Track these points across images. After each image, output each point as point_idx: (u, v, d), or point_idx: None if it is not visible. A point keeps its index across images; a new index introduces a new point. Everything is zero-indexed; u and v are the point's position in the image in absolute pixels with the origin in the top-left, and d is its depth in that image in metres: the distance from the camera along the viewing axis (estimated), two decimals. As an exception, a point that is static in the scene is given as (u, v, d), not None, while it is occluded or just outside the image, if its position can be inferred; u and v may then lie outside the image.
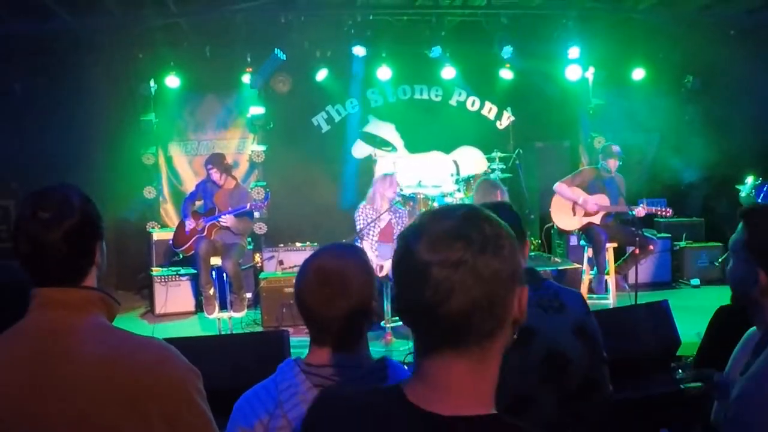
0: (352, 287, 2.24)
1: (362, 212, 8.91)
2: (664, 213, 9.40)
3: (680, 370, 5.48)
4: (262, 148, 11.80)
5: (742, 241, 2.59)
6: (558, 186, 9.51)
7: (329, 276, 2.25)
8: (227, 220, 8.92)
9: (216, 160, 9.27)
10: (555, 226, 10.56)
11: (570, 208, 9.47)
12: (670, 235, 11.55)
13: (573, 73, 11.80)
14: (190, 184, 11.22)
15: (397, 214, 8.93)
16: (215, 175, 9.20)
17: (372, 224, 8.76)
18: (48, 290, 2.13)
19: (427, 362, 1.53)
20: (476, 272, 1.44)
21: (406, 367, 2.63)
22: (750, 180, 10.64)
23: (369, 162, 11.97)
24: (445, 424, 1.47)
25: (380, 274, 8.26)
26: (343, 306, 2.22)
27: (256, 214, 10.31)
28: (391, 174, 9.08)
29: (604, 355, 3.21)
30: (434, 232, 1.49)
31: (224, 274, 9.04)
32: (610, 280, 9.33)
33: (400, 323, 8.60)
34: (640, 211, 9.17)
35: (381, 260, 8.58)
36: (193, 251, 9.11)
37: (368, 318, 2.31)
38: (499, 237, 1.50)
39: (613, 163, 9.46)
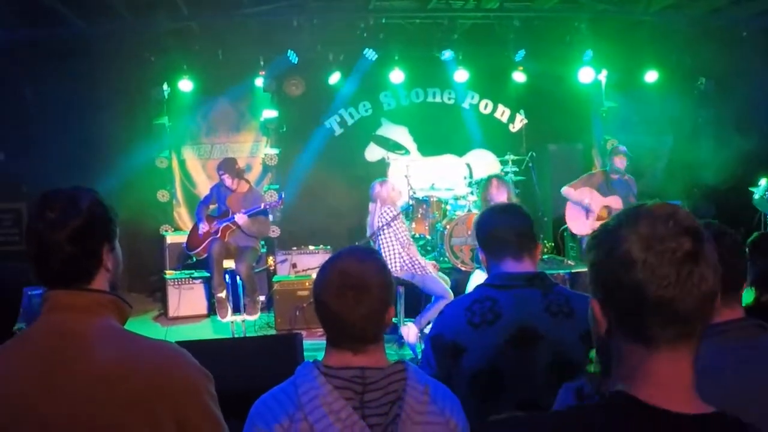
0: (373, 289, 2.24)
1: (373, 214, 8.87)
2: None
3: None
4: (275, 151, 11.81)
5: None
6: (565, 190, 9.50)
7: (351, 278, 2.24)
8: (241, 219, 8.91)
9: (227, 166, 9.27)
10: (568, 229, 10.53)
11: (584, 213, 9.46)
12: (683, 237, 11.47)
13: (586, 75, 11.79)
14: (203, 187, 11.26)
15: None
16: (227, 180, 9.20)
17: (385, 227, 8.72)
18: (59, 293, 2.13)
19: (653, 359, 1.51)
20: (710, 263, 1.48)
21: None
22: (763, 182, 10.57)
23: (382, 165, 11.95)
24: (695, 422, 1.47)
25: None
26: (364, 308, 2.22)
27: (270, 216, 10.29)
28: (385, 179, 8.98)
29: None
30: (651, 228, 1.48)
31: (237, 277, 9.05)
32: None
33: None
34: None
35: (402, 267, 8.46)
36: (206, 254, 9.12)
37: (387, 321, 2.30)
38: (707, 227, 1.53)
39: (619, 161, 9.43)
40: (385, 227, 8.23)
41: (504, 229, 3.16)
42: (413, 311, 8.51)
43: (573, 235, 10.92)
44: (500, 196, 7.98)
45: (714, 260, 1.48)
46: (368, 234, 8.57)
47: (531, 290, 3.03)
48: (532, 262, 3.15)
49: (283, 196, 9.37)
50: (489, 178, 8.26)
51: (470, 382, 2.91)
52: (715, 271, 1.48)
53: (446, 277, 8.58)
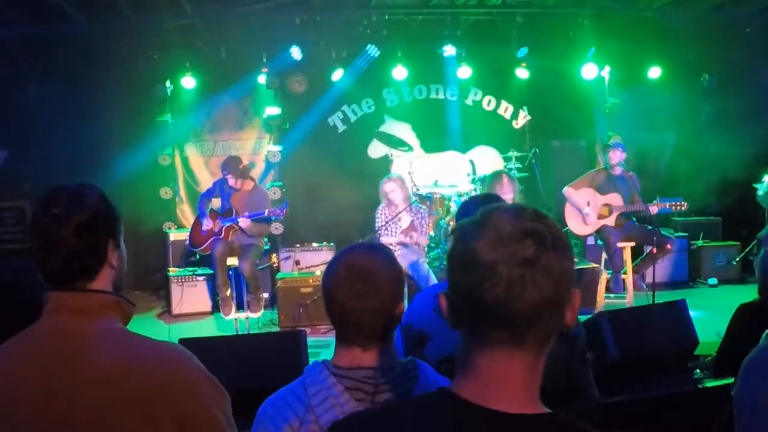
0: (382, 283, 2.21)
1: (381, 212, 8.92)
2: (678, 207, 9.31)
3: (698, 370, 5.45)
4: (278, 148, 11.80)
5: None
6: (566, 191, 9.48)
7: (360, 271, 2.21)
8: (244, 222, 8.90)
9: (231, 166, 9.21)
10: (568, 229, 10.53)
11: (580, 215, 9.44)
12: (687, 234, 11.49)
13: (589, 71, 11.79)
14: (206, 184, 11.23)
15: (419, 215, 8.89)
16: (231, 180, 9.17)
17: (390, 223, 8.75)
18: (61, 294, 2.12)
19: (482, 358, 1.51)
20: (548, 270, 1.45)
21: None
22: (767, 179, 10.57)
23: (385, 162, 11.95)
24: (515, 421, 1.47)
25: None
26: (373, 302, 2.19)
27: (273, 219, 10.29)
28: (389, 176, 9.02)
29: (587, 358, 3.16)
30: (499, 228, 1.47)
31: (241, 275, 9.05)
32: (628, 279, 9.29)
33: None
34: (653, 207, 9.12)
35: (402, 260, 8.55)
36: (209, 252, 9.12)
37: (396, 317, 2.28)
38: (562, 235, 1.52)
39: (614, 155, 9.40)
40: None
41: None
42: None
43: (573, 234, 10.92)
44: (508, 193, 8.00)
45: (556, 268, 1.46)
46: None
47: None
48: None
49: (287, 205, 9.32)
50: (499, 174, 8.26)
51: (436, 370, 2.88)
52: (552, 278, 1.45)
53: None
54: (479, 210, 1.57)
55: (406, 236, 8.80)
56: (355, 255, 2.30)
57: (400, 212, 8.70)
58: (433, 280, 8.38)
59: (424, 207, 9.16)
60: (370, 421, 1.65)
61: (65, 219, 2.09)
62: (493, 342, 1.49)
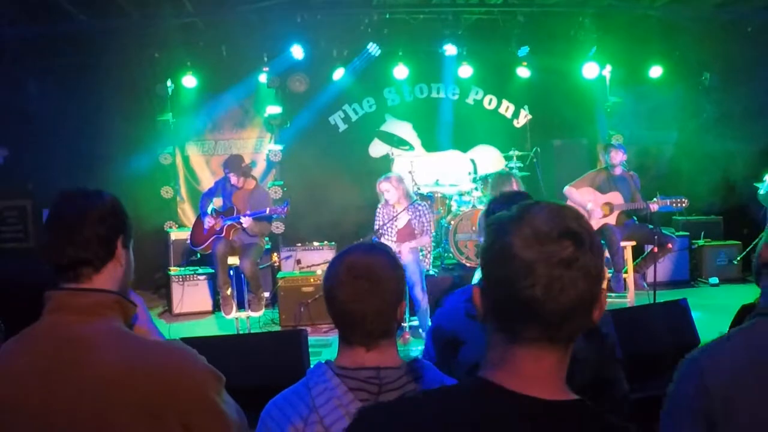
0: (383, 282, 2.21)
1: (379, 212, 8.88)
2: (678, 204, 9.30)
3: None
4: (279, 147, 11.80)
5: None
6: (567, 190, 9.48)
7: (360, 270, 2.21)
8: (245, 221, 8.89)
9: (233, 165, 9.18)
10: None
11: (584, 211, 9.43)
12: (688, 233, 11.47)
13: (590, 70, 11.79)
14: (207, 183, 11.24)
15: (417, 213, 8.79)
16: (234, 178, 9.15)
17: (389, 224, 8.73)
18: (61, 293, 2.13)
19: (513, 352, 1.54)
20: (586, 271, 1.48)
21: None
22: (768, 178, 10.57)
23: (386, 161, 11.94)
24: (552, 406, 1.50)
25: None
26: (374, 301, 2.19)
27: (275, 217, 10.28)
28: (385, 176, 8.95)
29: (617, 353, 3.14)
30: (537, 226, 1.49)
31: (242, 274, 9.05)
32: (629, 278, 9.30)
33: (417, 323, 8.63)
34: (653, 205, 9.12)
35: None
36: (210, 251, 9.11)
37: (399, 316, 2.28)
38: (596, 235, 1.54)
39: (615, 155, 9.40)
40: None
41: None
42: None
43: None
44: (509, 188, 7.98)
45: (592, 269, 1.49)
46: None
47: None
48: None
49: (288, 203, 9.29)
50: (507, 174, 8.24)
51: (468, 374, 2.85)
52: (589, 279, 1.48)
53: None
54: (516, 206, 1.59)
55: (411, 243, 8.66)
56: (356, 255, 2.29)
57: (399, 212, 8.65)
58: (419, 279, 8.34)
59: (424, 203, 9.04)
60: (409, 407, 1.64)
61: (84, 210, 2.15)
62: (524, 338, 1.52)
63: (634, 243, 9.37)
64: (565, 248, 1.46)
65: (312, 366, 2.28)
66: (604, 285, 1.56)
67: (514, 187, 7.95)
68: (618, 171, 9.45)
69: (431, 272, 9.52)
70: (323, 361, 2.26)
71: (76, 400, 1.98)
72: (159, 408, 2.01)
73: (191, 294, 10.32)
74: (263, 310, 9.34)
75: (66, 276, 2.14)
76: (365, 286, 2.19)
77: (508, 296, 1.49)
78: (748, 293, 2.75)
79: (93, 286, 2.16)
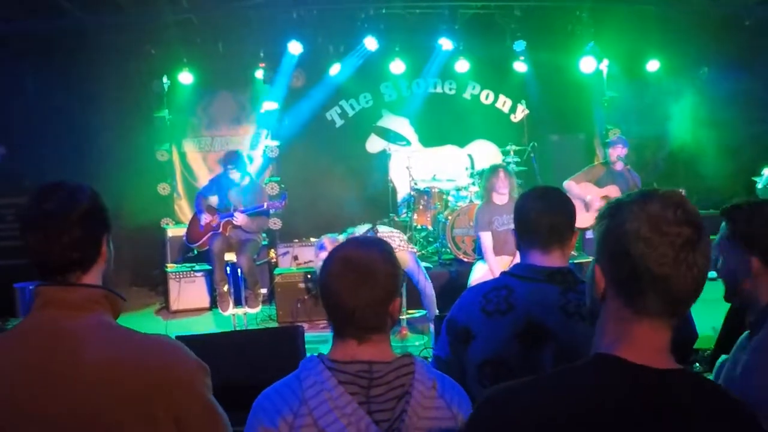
0: (378, 275, 2.21)
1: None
2: None
3: (697, 364, 5.45)
4: (276, 143, 11.79)
5: (726, 235, 2.75)
6: (567, 184, 9.47)
7: (355, 263, 2.22)
8: (240, 219, 8.85)
9: (235, 161, 9.20)
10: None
11: (582, 206, 9.42)
12: (686, 227, 11.44)
13: (587, 65, 11.78)
14: (204, 180, 11.23)
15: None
16: (234, 174, 9.12)
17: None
18: (50, 289, 2.12)
19: (638, 326, 1.68)
20: (706, 253, 1.65)
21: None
22: (766, 172, 10.55)
23: (383, 156, 11.93)
24: (666, 375, 1.63)
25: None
26: (369, 294, 2.19)
27: (272, 212, 10.26)
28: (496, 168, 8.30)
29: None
30: (660, 212, 1.64)
31: (239, 270, 9.03)
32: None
33: (417, 317, 8.61)
34: None
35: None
36: (207, 247, 9.09)
37: (393, 312, 2.27)
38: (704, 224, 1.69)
39: (614, 150, 9.37)
40: None
41: (537, 217, 2.96)
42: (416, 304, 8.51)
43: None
44: (504, 188, 7.94)
45: (708, 251, 1.65)
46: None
47: (549, 286, 2.85)
48: (562, 255, 2.96)
49: (285, 197, 9.26)
50: (496, 168, 8.18)
51: (477, 370, 2.84)
52: (707, 259, 1.64)
53: None
54: (638, 191, 1.77)
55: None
56: (351, 248, 2.30)
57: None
58: (423, 273, 8.26)
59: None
60: (536, 388, 1.74)
61: (71, 208, 2.11)
62: (651, 313, 1.66)
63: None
64: (687, 232, 1.62)
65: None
66: None
67: (500, 181, 7.90)
68: (618, 166, 9.43)
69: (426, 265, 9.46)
70: (316, 354, 2.26)
71: (66, 395, 1.97)
72: (149, 401, 2.01)
73: (188, 291, 10.29)
74: (260, 306, 9.31)
75: (54, 278, 2.13)
76: (358, 280, 2.19)
77: (636, 273, 1.63)
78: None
79: (81, 282, 2.15)
